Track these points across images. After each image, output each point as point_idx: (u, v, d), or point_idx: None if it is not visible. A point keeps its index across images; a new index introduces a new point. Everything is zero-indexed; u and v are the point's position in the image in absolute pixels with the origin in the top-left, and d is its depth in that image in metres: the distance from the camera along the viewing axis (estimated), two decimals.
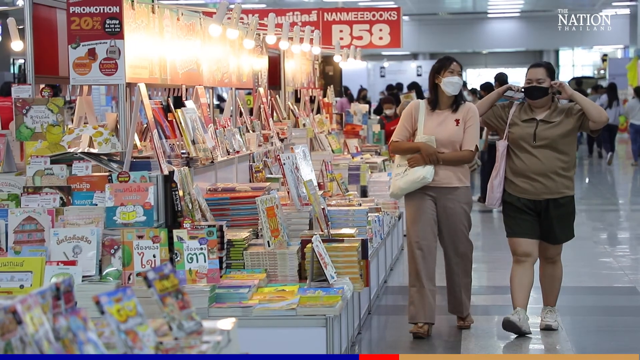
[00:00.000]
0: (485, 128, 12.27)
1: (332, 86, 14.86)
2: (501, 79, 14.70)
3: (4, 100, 7.09)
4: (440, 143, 7.10)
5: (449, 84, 7.16)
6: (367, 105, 17.11)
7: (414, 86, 19.67)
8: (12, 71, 22.52)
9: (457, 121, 7.15)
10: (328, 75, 16.36)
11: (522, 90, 7.24)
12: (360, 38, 17.41)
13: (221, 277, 5.93)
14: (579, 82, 28.39)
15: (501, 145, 7.21)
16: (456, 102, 7.21)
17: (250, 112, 10.21)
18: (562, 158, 7.06)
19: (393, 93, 20.41)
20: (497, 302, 8.33)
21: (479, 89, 17.71)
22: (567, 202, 7.12)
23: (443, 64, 7.22)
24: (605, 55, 38.01)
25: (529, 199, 7.08)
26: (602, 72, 36.54)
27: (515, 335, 7.05)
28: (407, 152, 7.14)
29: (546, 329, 7.20)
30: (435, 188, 7.11)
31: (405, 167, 7.16)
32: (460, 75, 7.25)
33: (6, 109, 6.59)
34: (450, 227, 7.15)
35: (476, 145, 7.18)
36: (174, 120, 6.81)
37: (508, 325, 7.01)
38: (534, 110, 7.14)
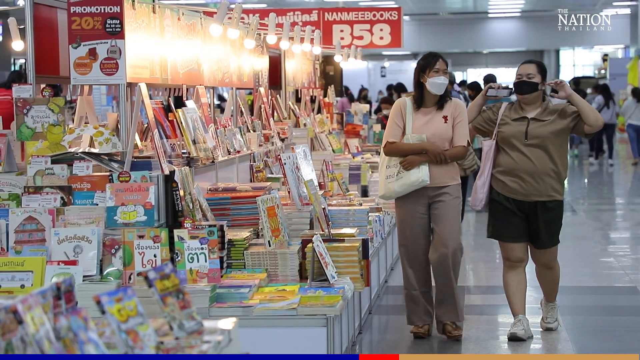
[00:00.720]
0: None
1: (332, 86, 14.86)
2: (490, 80, 14.71)
3: (5, 93, 7.09)
4: (431, 142, 7.01)
5: (434, 85, 7.01)
6: (367, 105, 17.11)
7: (400, 87, 19.69)
8: (12, 70, 22.51)
9: (445, 118, 7.05)
10: (329, 75, 16.36)
11: (505, 87, 7.20)
12: (360, 38, 17.40)
13: (222, 276, 5.94)
14: (577, 82, 28.39)
15: (486, 145, 7.13)
16: (442, 99, 7.10)
17: (251, 111, 10.22)
18: (554, 160, 7.00)
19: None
20: (498, 301, 8.32)
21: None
22: (556, 206, 7.04)
23: (428, 63, 7.04)
24: (605, 55, 38.01)
25: (518, 200, 7.01)
26: (602, 72, 36.54)
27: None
28: (409, 153, 7.00)
29: (547, 330, 7.20)
30: (429, 188, 7.03)
31: (398, 169, 7.04)
32: (446, 73, 7.07)
33: (6, 103, 6.58)
34: (442, 222, 7.02)
35: (468, 141, 7.09)
36: (174, 120, 6.81)
37: (514, 339, 6.99)
38: (524, 108, 7.07)
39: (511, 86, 7.25)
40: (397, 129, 7.06)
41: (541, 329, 7.22)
